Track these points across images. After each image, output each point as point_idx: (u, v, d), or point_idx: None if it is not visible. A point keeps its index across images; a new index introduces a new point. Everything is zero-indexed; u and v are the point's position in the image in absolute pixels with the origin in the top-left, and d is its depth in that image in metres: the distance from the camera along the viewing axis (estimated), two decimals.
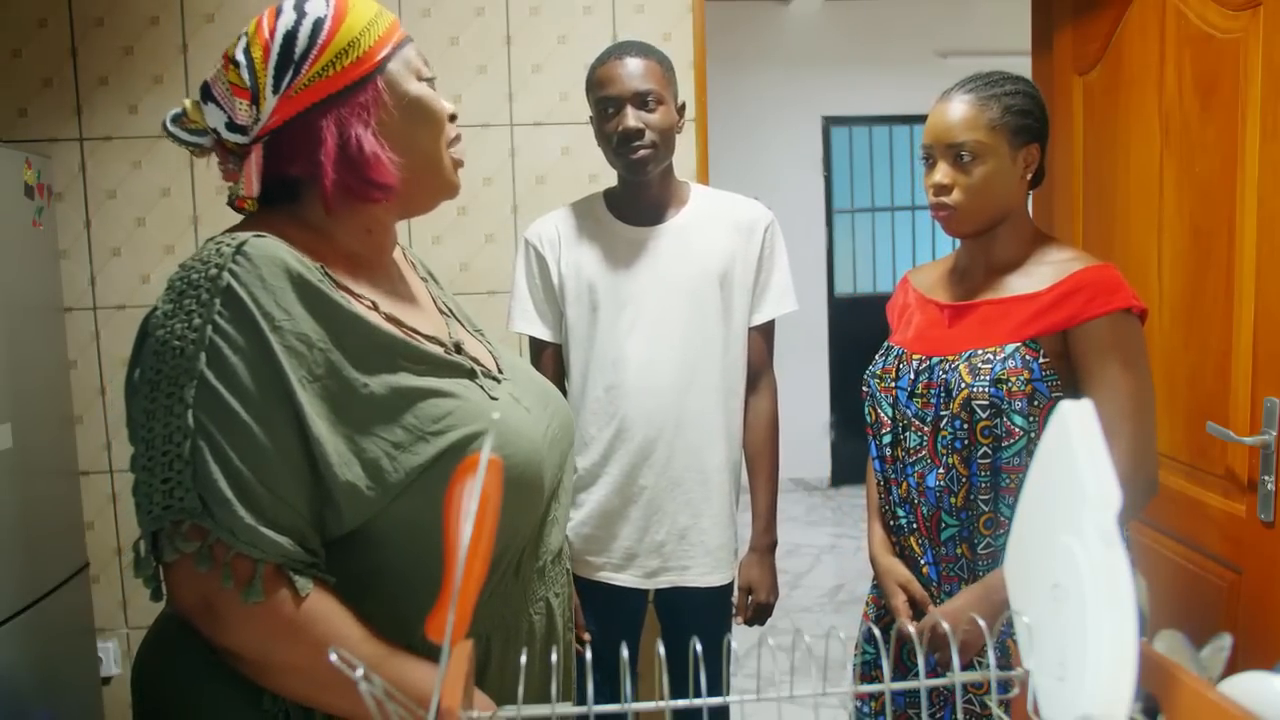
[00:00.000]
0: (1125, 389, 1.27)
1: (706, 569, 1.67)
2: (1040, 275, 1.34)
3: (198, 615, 0.83)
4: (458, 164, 1.00)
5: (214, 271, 0.82)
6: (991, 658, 0.60)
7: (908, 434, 1.39)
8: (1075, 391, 1.30)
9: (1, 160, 1.93)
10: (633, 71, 1.58)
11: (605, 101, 1.60)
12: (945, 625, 0.68)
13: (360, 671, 0.53)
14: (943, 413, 1.34)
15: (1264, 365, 1.48)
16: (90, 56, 2.26)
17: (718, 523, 1.67)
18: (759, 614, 1.73)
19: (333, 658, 0.54)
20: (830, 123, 5.34)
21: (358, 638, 0.85)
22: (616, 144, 1.59)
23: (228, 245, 0.83)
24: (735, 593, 1.74)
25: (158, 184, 2.29)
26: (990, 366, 1.30)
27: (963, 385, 1.31)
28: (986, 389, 1.29)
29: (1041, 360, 1.30)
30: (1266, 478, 1.47)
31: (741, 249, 1.68)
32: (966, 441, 1.31)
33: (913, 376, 1.40)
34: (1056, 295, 1.30)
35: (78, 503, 2.20)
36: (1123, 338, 1.28)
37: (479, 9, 2.31)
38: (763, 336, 1.74)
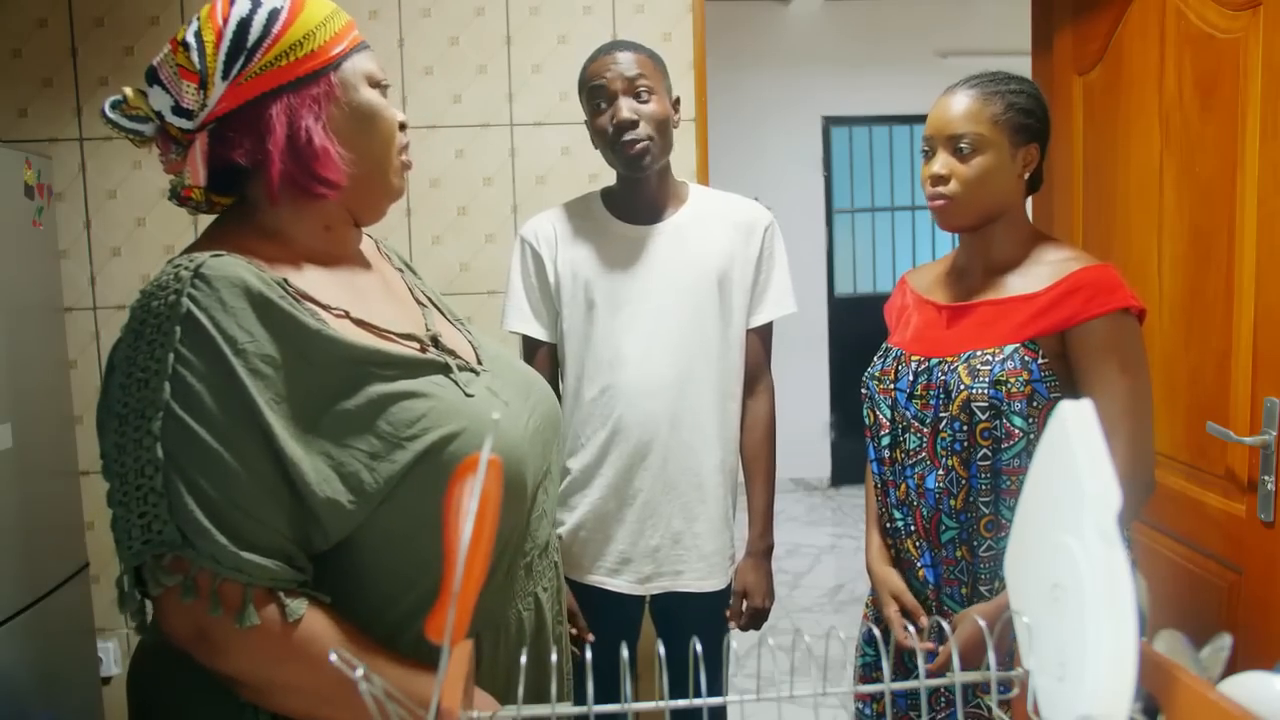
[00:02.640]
0: (1123, 389, 1.26)
1: (701, 574, 1.66)
2: (1038, 275, 1.33)
3: (193, 645, 0.82)
4: (405, 167, 1.01)
5: (173, 298, 0.81)
6: (991, 658, 0.60)
7: (907, 436, 1.38)
8: (1074, 392, 1.30)
9: (1, 160, 1.93)
10: (622, 62, 1.55)
11: (597, 94, 1.57)
12: (945, 624, 0.68)
13: (360, 671, 0.53)
14: (942, 414, 1.33)
15: (1264, 365, 1.48)
16: (90, 56, 2.26)
17: (712, 527, 1.66)
18: (754, 619, 1.71)
19: (333, 658, 0.54)
20: (830, 123, 5.34)
21: (355, 652, 0.84)
22: (611, 137, 1.56)
23: (185, 269, 0.82)
24: (731, 598, 1.73)
25: (158, 184, 2.29)
26: (989, 368, 1.29)
27: (962, 386, 1.30)
28: (986, 390, 1.28)
29: (1040, 361, 1.29)
30: (1266, 478, 1.47)
31: (740, 249, 1.66)
32: (966, 443, 1.30)
33: (912, 378, 1.39)
34: (1055, 295, 1.29)
35: (78, 503, 2.20)
36: (1121, 338, 1.27)
37: (479, 9, 2.31)
38: (761, 338, 1.72)
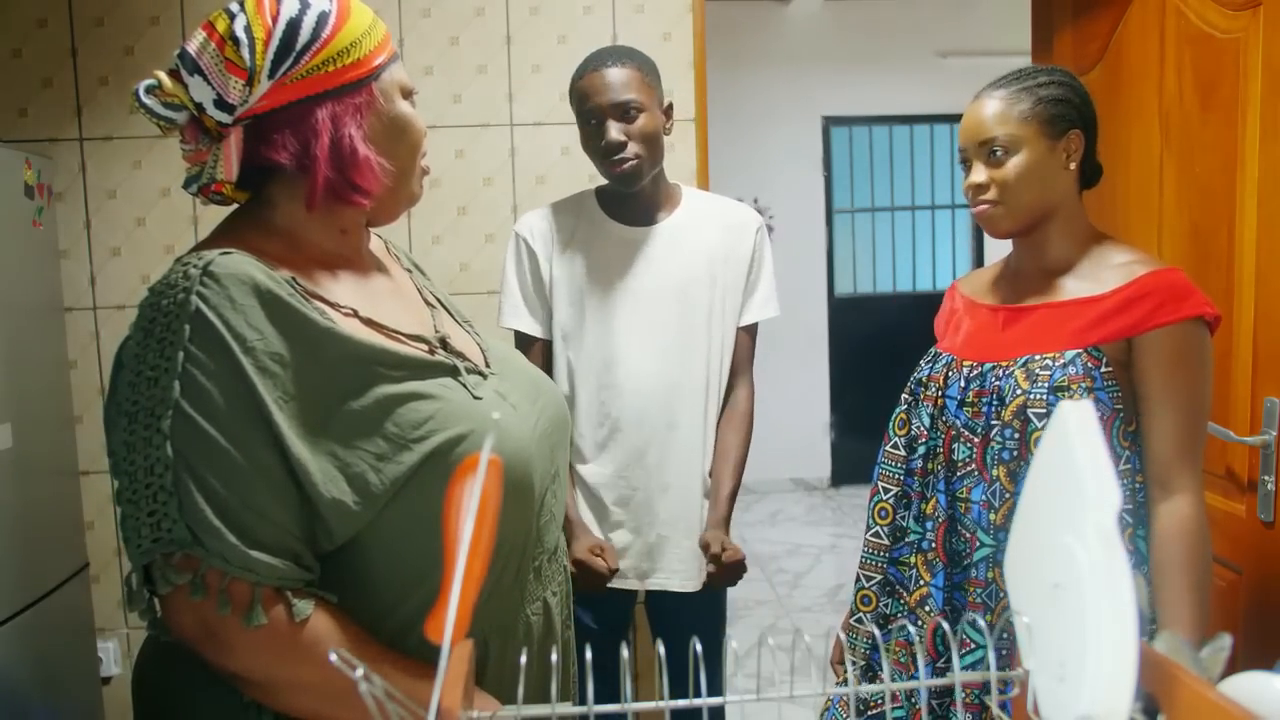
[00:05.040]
0: (1185, 405, 1.19)
1: (694, 572, 1.66)
2: (1101, 278, 1.25)
3: (201, 643, 0.82)
4: (425, 173, 1.02)
5: (181, 296, 0.81)
6: (991, 658, 0.60)
7: (956, 446, 1.29)
8: (1134, 404, 1.24)
9: (1, 160, 1.92)
10: (611, 82, 1.56)
11: (586, 114, 1.59)
12: (945, 625, 0.68)
13: (360, 671, 0.53)
14: (994, 422, 1.24)
15: (1264, 365, 1.48)
16: (90, 56, 2.26)
17: (700, 527, 1.66)
18: (729, 572, 1.61)
19: (333, 658, 0.55)
20: (830, 123, 5.34)
21: (360, 652, 0.84)
22: (601, 157, 1.59)
23: (194, 266, 0.82)
24: (709, 561, 1.62)
25: (158, 184, 2.29)
26: (1049, 373, 1.21)
27: (1018, 392, 1.22)
28: (1044, 396, 1.20)
29: (1104, 369, 1.21)
30: (1266, 478, 1.47)
31: (732, 251, 1.67)
32: (1016, 453, 1.22)
33: (963, 384, 1.29)
34: (1121, 300, 1.21)
35: (78, 503, 2.20)
36: (1188, 350, 1.20)
37: (479, 9, 2.31)
38: (748, 337, 1.73)
